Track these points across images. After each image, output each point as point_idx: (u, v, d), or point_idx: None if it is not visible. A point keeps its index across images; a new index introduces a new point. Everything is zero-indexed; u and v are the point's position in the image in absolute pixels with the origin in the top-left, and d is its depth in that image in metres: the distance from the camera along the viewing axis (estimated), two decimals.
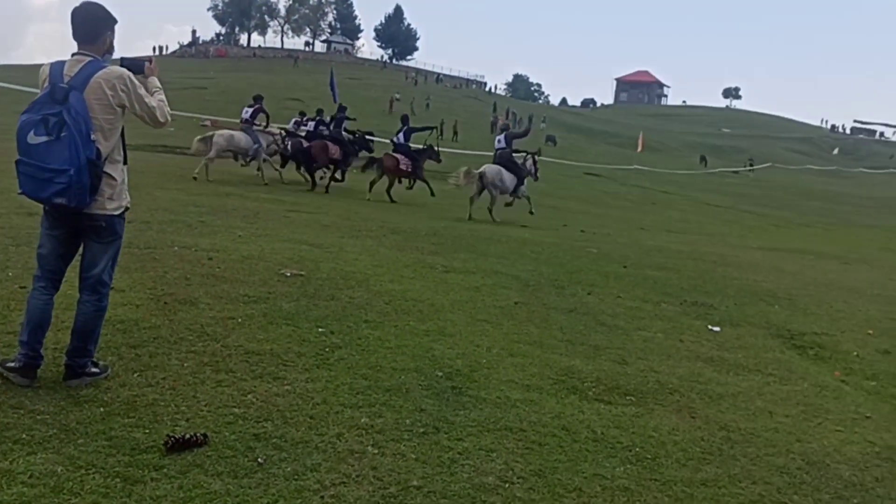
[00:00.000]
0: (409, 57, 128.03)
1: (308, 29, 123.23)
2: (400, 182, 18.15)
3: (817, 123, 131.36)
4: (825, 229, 29.97)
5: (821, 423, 5.07)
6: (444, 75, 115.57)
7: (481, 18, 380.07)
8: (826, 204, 43.72)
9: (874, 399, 5.84)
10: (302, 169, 18.05)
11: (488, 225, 14.09)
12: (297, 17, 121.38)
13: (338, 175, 18.46)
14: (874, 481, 4.17)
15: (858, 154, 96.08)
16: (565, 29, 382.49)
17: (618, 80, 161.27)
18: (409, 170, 17.61)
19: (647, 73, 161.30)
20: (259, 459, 3.53)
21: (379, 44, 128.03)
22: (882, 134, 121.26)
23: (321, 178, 18.06)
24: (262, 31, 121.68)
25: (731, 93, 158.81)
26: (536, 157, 17.73)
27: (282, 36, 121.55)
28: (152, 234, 8.34)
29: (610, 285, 8.99)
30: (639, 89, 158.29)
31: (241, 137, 17.13)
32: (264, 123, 18.16)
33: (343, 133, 18.31)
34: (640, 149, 53.17)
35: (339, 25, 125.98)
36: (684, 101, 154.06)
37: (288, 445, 3.71)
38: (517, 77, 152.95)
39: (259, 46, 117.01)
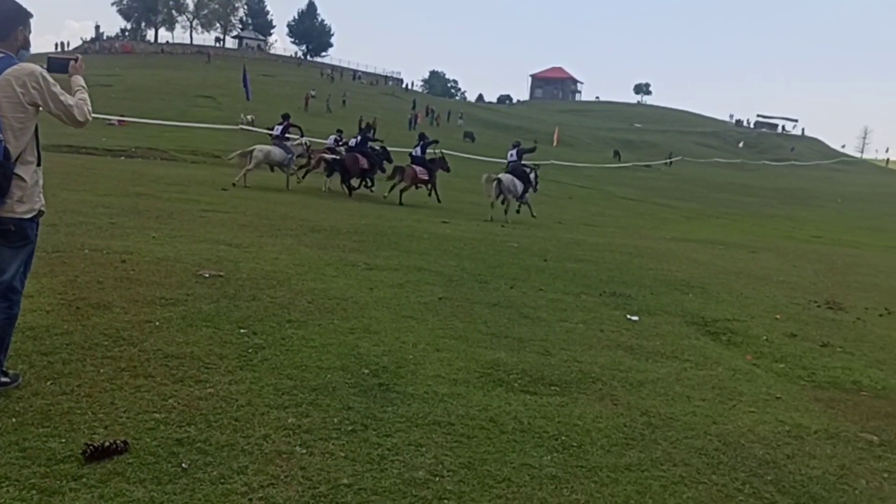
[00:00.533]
0: (323, 53, 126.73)
1: (218, 24, 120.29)
2: (417, 188, 20.41)
3: (724, 118, 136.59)
4: (733, 220, 31.22)
5: (735, 405, 5.27)
6: (361, 72, 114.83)
7: (397, 15, 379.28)
8: (733, 195, 45.54)
9: (783, 380, 6.11)
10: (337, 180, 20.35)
11: (409, 222, 14.08)
12: (206, 12, 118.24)
13: (367, 182, 21.05)
14: (786, 458, 4.36)
15: (762, 147, 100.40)
16: (481, 26, 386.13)
17: (533, 76, 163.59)
18: (427, 177, 20.25)
19: (561, 69, 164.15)
20: (183, 464, 3.44)
21: (293, 40, 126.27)
22: (783, 128, 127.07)
23: (354, 187, 20.54)
24: (170, 26, 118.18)
25: (641, 88, 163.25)
26: (538, 171, 20.68)
27: (191, 31, 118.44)
28: (60, 237, 8.00)
29: (531, 279, 9.12)
30: (553, 85, 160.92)
31: (276, 152, 19.28)
32: (299, 135, 20.54)
33: (369, 147, 20.84)
34: (555, 143, 54.11)
35: (250, 21, 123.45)
36: (597, 97, 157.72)
37: (213, 449, 3.63)
38: (434, 74, 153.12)
39: (167, 42, 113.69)
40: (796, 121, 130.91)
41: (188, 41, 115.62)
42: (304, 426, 4.01)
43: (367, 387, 4.72)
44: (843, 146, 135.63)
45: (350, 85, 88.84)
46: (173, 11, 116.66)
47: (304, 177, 21.23)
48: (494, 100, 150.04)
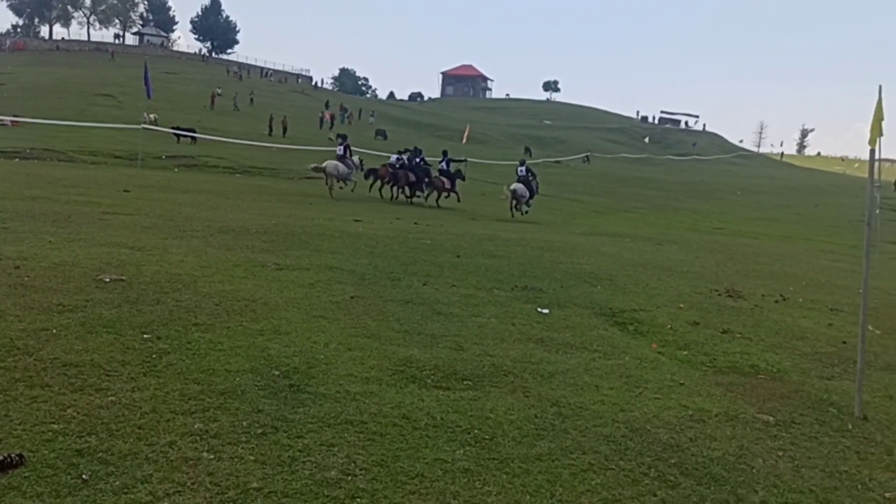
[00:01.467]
0: (229, 50, 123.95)
1: (117, 20, 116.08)
2: (440, 196, 25.18)
3: (630, 114, 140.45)
4: (640, 213, 32.16)
5: (641, 392, 5.43)
6: (269, 70, 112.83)
7: (305, 12, 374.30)
8: (640, 190, 46.91)
9: (686, 367, 6.33)
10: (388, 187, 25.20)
11: (321, 221, 13.92)
12: (104, 7, 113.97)
13: (418, 193, 25.40)
14: (688, 441, 4.52)
15: (666, 142, 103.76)
16: (391, 23, 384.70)
17: (444, 74, 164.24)
18: (451, 187, 25.24)
19: (471, 67, 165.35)
20: (84, 476, 3.30)
21: (196, 36, 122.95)
22: (686, 123, 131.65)
23: (407, 195, 25.23)
24: (66, 22, 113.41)
25: (550, 86, 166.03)
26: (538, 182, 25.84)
27: (88, 28, 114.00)
28: None
29: (444, 275, 9.16)
30: (464, 83, 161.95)
31: (342, 167, 23.54)
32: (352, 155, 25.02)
33: (423, 164, 25.98)
34: (464, 140, 54.41)
35: (151, 17, 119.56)
36: (508, 95, 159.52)
37: (115, 459, 3.49)
38: (344, 71, 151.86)
39: (62, 39, 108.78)
40: (697, 117, 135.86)
41: (85, 38, 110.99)
42: (212, 431, 3.91)
43: (278, 388, 4.64)
44: (742, 141, 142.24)
45: (258, 83, 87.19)
46: (69, 7, 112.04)
47: (381, 188, 25.30)
48: (406, 97, 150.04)
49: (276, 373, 4.91)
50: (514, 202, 23.52)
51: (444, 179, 25.21)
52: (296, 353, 5.37)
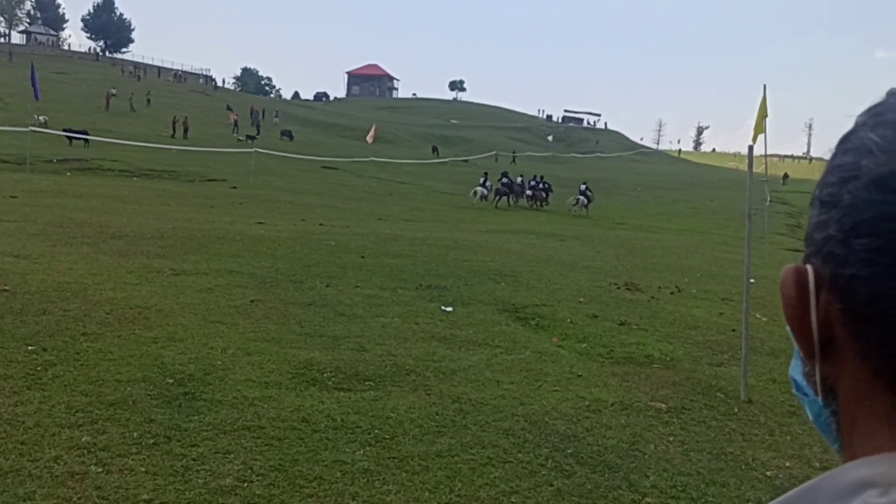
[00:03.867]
0: (124, 49, 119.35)
1: (2, 18, 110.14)
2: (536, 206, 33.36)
3: (534, 113, 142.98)
4: (545, 210, 32.74)
5: (541, 385, 5.55)
6: (168, 69, 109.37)
7: (204, 10, 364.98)
8: None
9: (585, 359, 6.50)
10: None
11: (221, 224, 13.59)
12: None
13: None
14: (585, 431, 4.65)
15: (570, 140, 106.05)
16: (294, 22, 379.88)
17: (349, 73, 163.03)
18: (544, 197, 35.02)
19: (376, 66, 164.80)
20: None
21: (88, 35, 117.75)
22: (589, 122, 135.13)
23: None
24: None
25: (456, 85, 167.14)
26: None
27: None
28: None
29: (348, 276, 9.10)
30: (370, 82, 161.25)
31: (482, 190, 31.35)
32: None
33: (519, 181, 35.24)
34: (369, 140, 53.98)
35: (39, 15, 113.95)
36: (414, 94, 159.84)
37: None
38: (246, 71, 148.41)
39: None
40: (599, 115, 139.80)
41: None
42: (101, 444, 3.77)
43: (172, 397, 4.51)
44: (642, 138, 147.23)
45: (156, 83, 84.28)
46: None
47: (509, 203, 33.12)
48: (311, 97, 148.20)
49: (170, 381, 4.77)
50: (580, 206, 32.38)
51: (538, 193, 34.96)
52: (191, 359, 5.24)
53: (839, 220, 0.46)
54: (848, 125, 0.51)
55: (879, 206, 0.44)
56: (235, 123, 56.45)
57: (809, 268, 0.49)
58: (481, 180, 33.65)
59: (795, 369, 0.55)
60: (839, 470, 0.44)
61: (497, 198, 32.85)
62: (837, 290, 0.47)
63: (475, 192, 31.66)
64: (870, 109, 0.50)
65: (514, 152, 70.47)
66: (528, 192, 34.66)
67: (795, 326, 0.50)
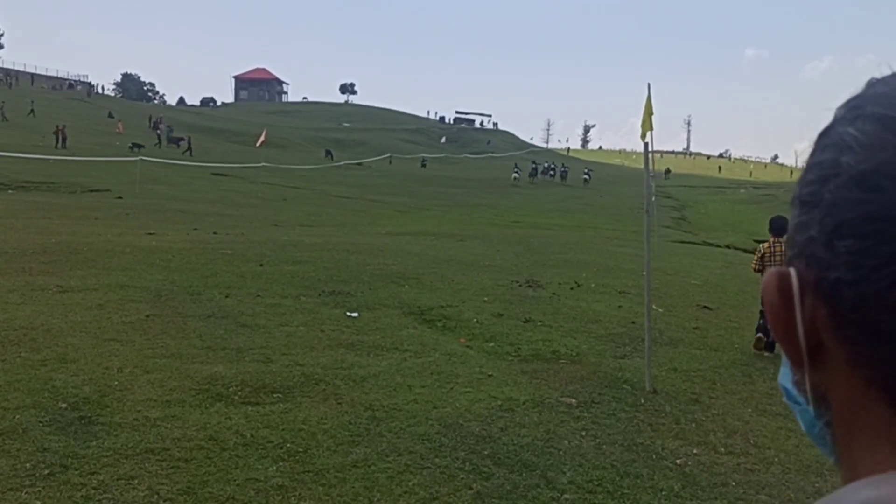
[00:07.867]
0: None
1: None
2: None
3: (426, 115, 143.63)
4: (442, 211, 32.93)
5: (452, 387, 5.53)
6: (41, 76, 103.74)
7: (78, 12, 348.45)
8: (441, 188, 48.04)
9: (493, 358, 6.54)
10: None
11: (109, 236, 12.96)
12: None
13: None
14: (500, 431, 4.66)
15: (462, 141, 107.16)
16: (176, 25, 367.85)
17: (236, 77, 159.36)
18: None
19: (265, 70, 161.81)
20: None
21: None
22: (481, 123, 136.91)
23: None
24: None
25: (347, 88, 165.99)
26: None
27: None
28: None
29: (248, 285, 8.84)
30: (259, 87, 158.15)
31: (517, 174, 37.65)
32: None
33: None
34: (259, 144, 52.73)
35: None
36: (305, 98, 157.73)
37: None
38: (127, 76, 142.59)
39: None
40: (490, 116, 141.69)
41: None
42: None
43: (66, 422, 4.23)
44: (532, 138, 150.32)
45: (29, 90, 79.73)
46: None
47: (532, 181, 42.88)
48: (198, 102, 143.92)
49: (63, 405, 4.48)
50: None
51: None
52: (85, 381, 4.94)
53: (821, 220, 0.44)
54: (826, 119, 0.49)
55: (862, 206, 0.41)
56: (120, 132, 54.09)
57: (793, 271, 0.46)
58: (515, 168, 54.90)
59: (785, 377, 0.53)
60: (842, 493, 0.41)
61: (530, 178, 52.54)
62: (822, 295, 0.44)
63: (514, 178, 52.09)
64: (848, 102, 0.47)
65: (423, 158, 70.73)
66: (551, 173, 56.90)
67: (781, 333, 0.47)
